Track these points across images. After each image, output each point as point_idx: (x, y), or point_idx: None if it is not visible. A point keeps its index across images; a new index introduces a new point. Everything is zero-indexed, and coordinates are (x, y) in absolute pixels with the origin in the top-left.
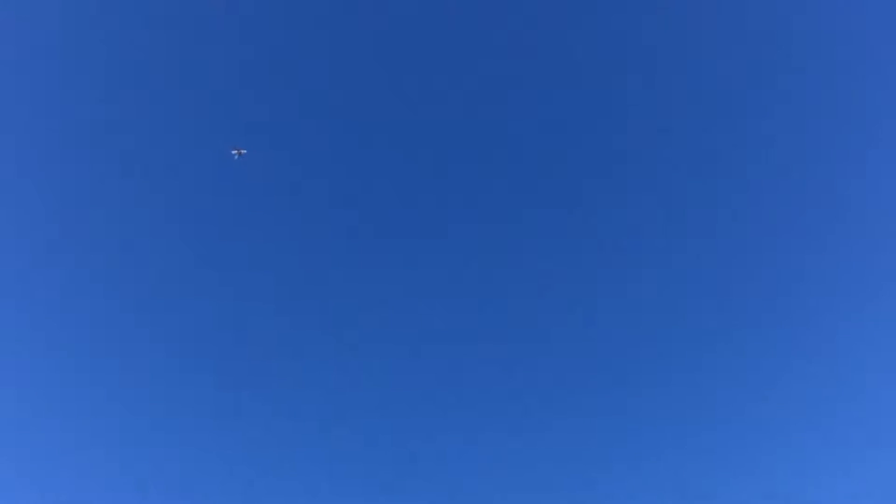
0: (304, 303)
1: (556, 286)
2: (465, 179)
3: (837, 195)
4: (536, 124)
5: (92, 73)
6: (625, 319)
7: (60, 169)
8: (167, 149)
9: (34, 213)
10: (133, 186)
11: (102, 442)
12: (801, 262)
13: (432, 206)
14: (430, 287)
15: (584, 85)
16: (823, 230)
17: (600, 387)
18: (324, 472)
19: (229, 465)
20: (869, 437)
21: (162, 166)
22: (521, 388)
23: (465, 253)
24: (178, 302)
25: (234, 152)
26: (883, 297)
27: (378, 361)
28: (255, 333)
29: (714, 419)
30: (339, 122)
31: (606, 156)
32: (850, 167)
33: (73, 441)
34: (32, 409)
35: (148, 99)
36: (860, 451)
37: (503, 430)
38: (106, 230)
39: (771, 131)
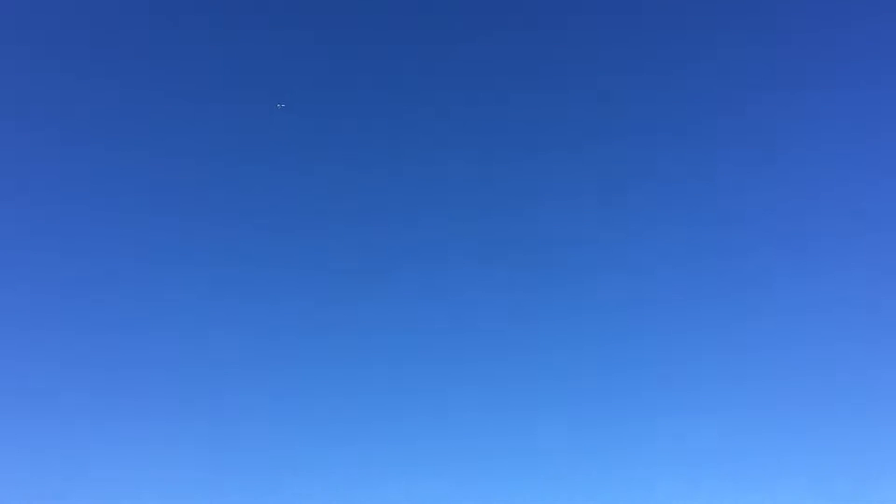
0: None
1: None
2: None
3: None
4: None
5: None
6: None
7: (60, 168)
8: (167, 148)
9: (35, 212)
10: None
11: (100, 441)
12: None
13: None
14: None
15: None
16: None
17: None
18: None
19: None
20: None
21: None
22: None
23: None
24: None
25: (279, 105)
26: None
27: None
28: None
29: None
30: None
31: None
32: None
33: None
34: (31, 407)
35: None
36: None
37: None
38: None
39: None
